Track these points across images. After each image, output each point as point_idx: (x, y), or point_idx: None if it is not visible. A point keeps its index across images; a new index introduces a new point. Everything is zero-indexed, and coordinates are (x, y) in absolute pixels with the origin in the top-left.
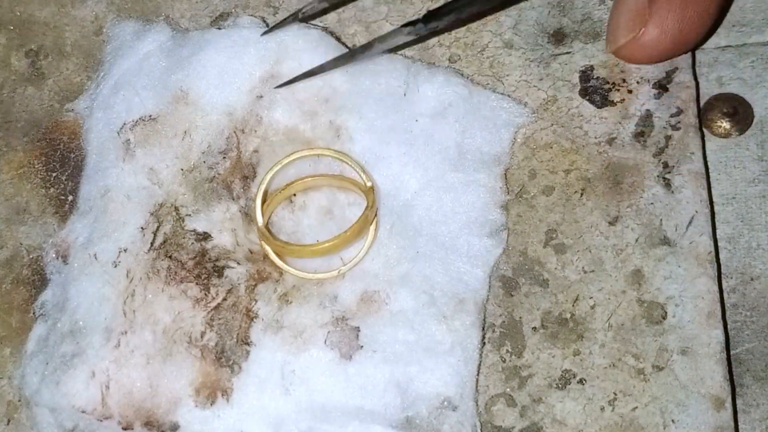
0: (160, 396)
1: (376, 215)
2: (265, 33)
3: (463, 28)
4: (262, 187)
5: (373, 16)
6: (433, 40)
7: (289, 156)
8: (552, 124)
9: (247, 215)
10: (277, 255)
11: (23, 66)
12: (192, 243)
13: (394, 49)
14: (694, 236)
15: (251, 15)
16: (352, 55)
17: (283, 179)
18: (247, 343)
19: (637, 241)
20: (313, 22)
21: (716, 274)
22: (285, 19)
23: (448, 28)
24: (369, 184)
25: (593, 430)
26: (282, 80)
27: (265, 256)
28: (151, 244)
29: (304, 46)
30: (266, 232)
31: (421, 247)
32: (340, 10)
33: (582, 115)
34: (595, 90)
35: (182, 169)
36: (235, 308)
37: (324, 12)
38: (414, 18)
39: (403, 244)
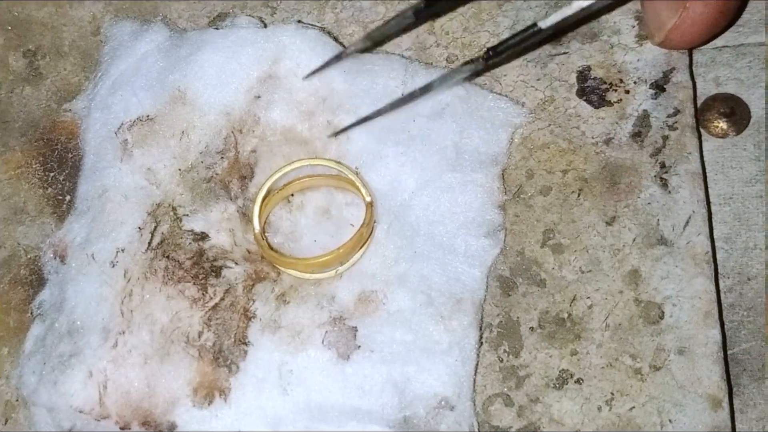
0: (158, 396)
1: (372, 230)
2: (307, 77)
3: (461, 28)
4: (261, 194)
5: (370, 17)
6: (431, 40)
7: (290, 164)
8: (549, 125)
9: (245, 215)
10: (273, 263)
11: (21, 66)
12: (189, 243)
13: (450, 84)
14: (691, 236)
15: (249, 15)
16: (412, 96)
17: (281, 179)
18: (245, 343)
19: (634, 241)
20: (310, 22)
21: (713, 274)
22: (328, 61)
23: (505, 62)
24: (368, 199)
25: (590, 429)
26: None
27: (263, 256)
28: (149, 244)
29: (302, 46)
30: (262, 241)
31: (418, 247)
32: (337, 10)
33: (579, 115)
34: (593, 90)
35: (180, 169)
36: (232, 308)
37: (365, 50)
38: (473, 56)
39: (401, 244)
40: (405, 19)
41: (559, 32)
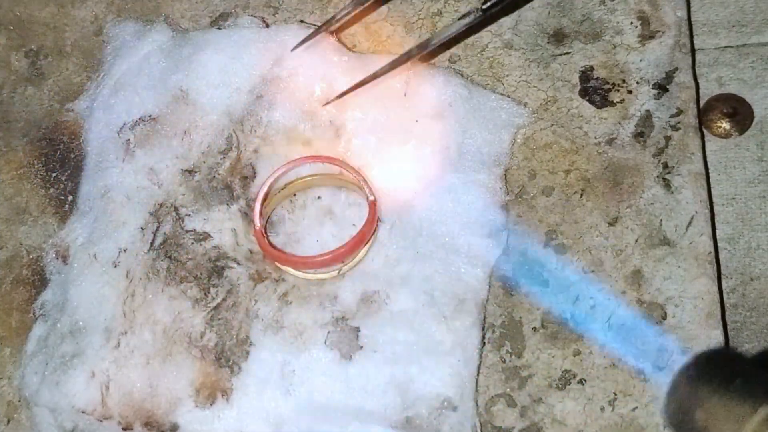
0: (160, 396)
1: (375, 230)
2: (295, 48)
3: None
4: (263, 191)
5: (373, 17)
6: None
7: (294, 160)
8: (552, 125)
9: (247, 215)
10: (275, 262)
11: (23, 66)
12: (192, 243)
13: (447, 42)
14: (694, 237)
15: (251, 15)
16: (408, 56)
17: (283, 179)
18: (247, 344)
19: (636, 241)
20: (312, 22)
21: (716, 274)
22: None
23: (502, 14)
24: (372, 198)
25: (593, 430)
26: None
27: (265, 256)
28: (151, 244)
29: (305, 46)
30: (263, 239)
31: (421, 247)
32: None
33: (582, 116)
34: (595, 90)
35: (182, 169)
36: (234, 308)
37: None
38: (468, 10)
39: (403, 244)
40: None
41: None
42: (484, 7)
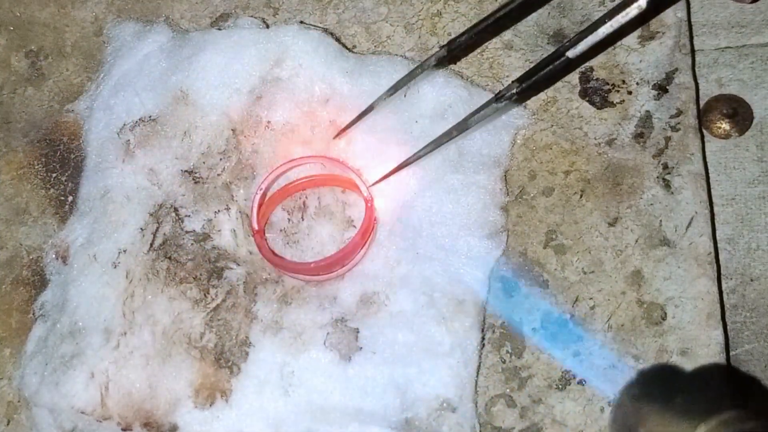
0: (160, 397)
1: (374, 230)
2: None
3: (463, 30)
4: (260, 193)
5: (373, 17)
6: (433, 41)
7: (292, 161)
8: (552, 125)
9: (247, 216)
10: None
11: (23, 67)
12: (191, 244)
13: (485, 121)
14: (694, 237)
15: (251, 16)
16: (448, 135)
17: (283, 179)
18: (247, 344)
19: (636, 242)
20: (312, 23)
21: (716, 275)
22: (356, 117)
23: (534, 92)
24: (369, 198)
25: (593, 430)
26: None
27: (264, 257)
28: (151, 244)
29: (304, 47)
30: (262, 242)
31: (420, 248)
32: (340, 11)
33: (582, 116)
34: (595, 91)
35: (182, 170)
36: (234, 309)
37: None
38: (502, 89)
39: (403, 245)
40: (428, 66)
41: (584, 59)
42: (515, 90)
